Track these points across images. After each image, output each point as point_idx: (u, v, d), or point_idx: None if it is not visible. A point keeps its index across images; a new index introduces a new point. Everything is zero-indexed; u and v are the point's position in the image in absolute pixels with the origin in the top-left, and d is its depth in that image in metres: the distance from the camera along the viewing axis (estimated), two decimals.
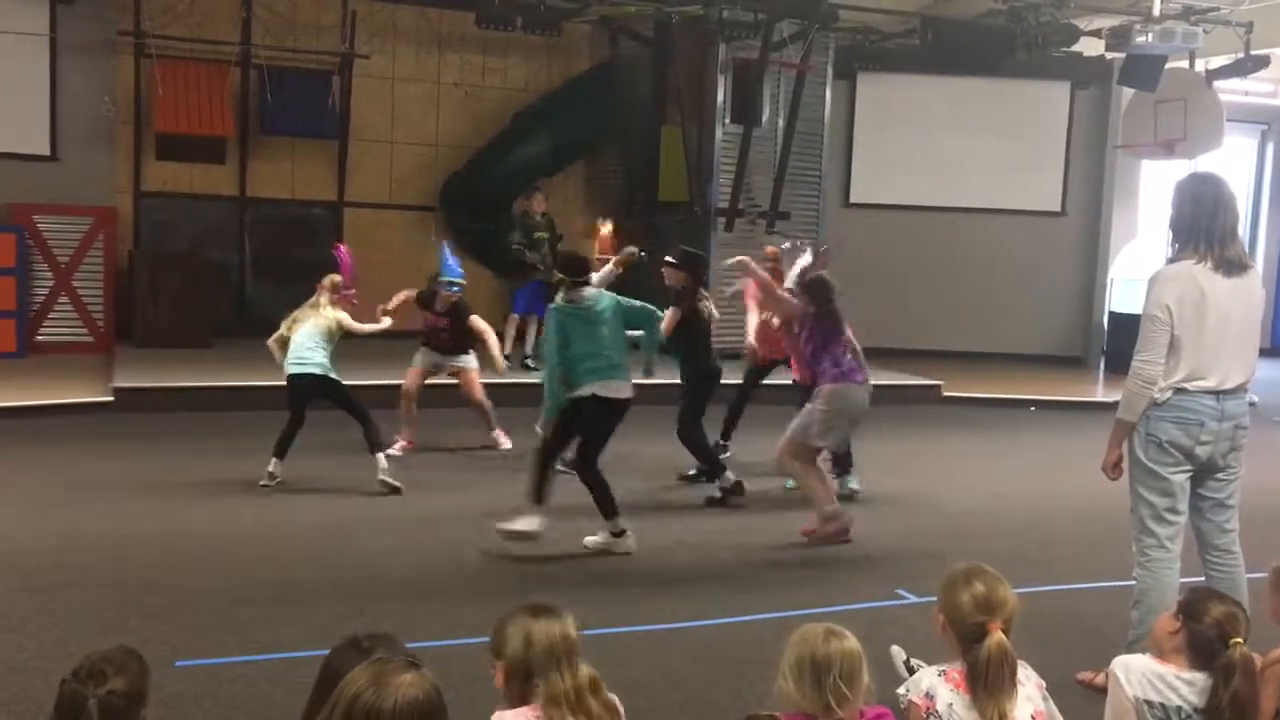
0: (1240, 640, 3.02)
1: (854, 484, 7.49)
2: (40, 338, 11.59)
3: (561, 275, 6.32)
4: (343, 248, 7.75)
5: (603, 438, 6.15)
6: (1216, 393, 4.17)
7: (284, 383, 7.26)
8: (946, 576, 3.03)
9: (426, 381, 8.39)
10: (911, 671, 3.91)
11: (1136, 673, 3.13)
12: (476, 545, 6.13)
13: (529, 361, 10.61)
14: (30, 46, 11.54)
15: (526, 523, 5.97)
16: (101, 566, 5.52)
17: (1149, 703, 3.09)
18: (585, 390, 6.00)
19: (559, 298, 6.24)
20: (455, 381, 8.49)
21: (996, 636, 2.86)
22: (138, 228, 12.47)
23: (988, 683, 2.83)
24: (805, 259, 7.27)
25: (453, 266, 8.07)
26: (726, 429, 8.17)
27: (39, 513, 6.40)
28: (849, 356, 6.46)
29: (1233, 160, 15.69)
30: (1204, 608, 3.12)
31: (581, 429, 6.13)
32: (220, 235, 12.83)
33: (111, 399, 9.33)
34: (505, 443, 8.52)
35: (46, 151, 11.88)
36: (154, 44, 11.85)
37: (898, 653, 4.31)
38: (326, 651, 2.69)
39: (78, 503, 6.66)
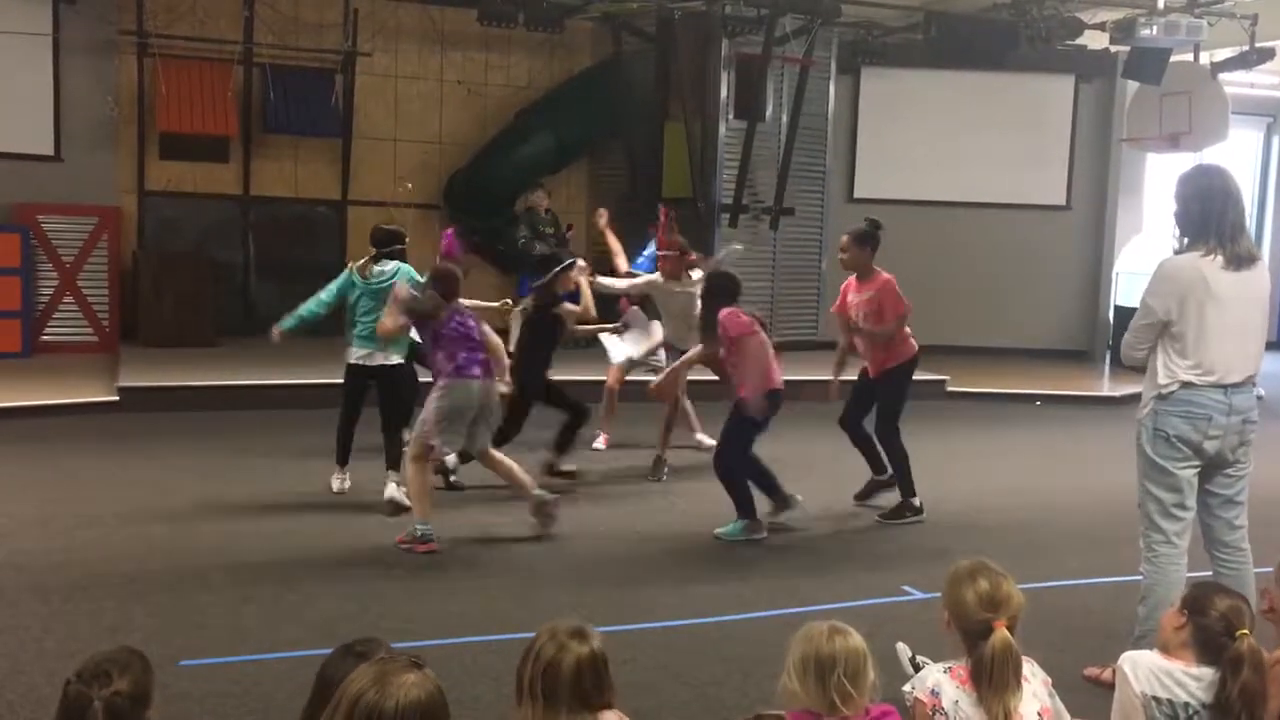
0: (1246, 632, 3.01)
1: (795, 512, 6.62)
2: (45, 338, 11.60)
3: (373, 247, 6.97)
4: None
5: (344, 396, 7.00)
6: (1224, 387, 4.14)
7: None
8: (951, 573, 3.03)
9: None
10: (917, 668, 3.91)
11: (1144, 669, 3.12)
12: (481, 545, 6.13)
13: None
14: (33, 46, 11.53)
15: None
16: (106, 566, 5.52)
17: (1156, 699, 3.08)
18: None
19: (356, 264, 6.97)
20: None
21: (1001, 634, 2.85)
22: (142, 227, 12.47)
23: (992, 680, 2.83)
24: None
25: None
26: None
27: (44, 512, 6.40)
28: (465, 354, 6.09)
29: (1238, 153, 15.63)
30: (1209, 602, 3.11)
31: None
32: (224, 234, 12.83)
33: (116, 399, 9.33)
34: (707, 440, 8.14)
35: (50, 151, 11.88)
36: (157, 43, 11.85)
37: (903, 650, 4.30)
38: (329, 651, 2.68)
39: (82, 502, 6.65)
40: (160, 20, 11.84)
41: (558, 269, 7.28)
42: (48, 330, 11.65)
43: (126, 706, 2.38)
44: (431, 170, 13.50)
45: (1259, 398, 4.42)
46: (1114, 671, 3.29)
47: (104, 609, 4.94)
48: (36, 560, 5.55)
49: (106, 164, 12.13)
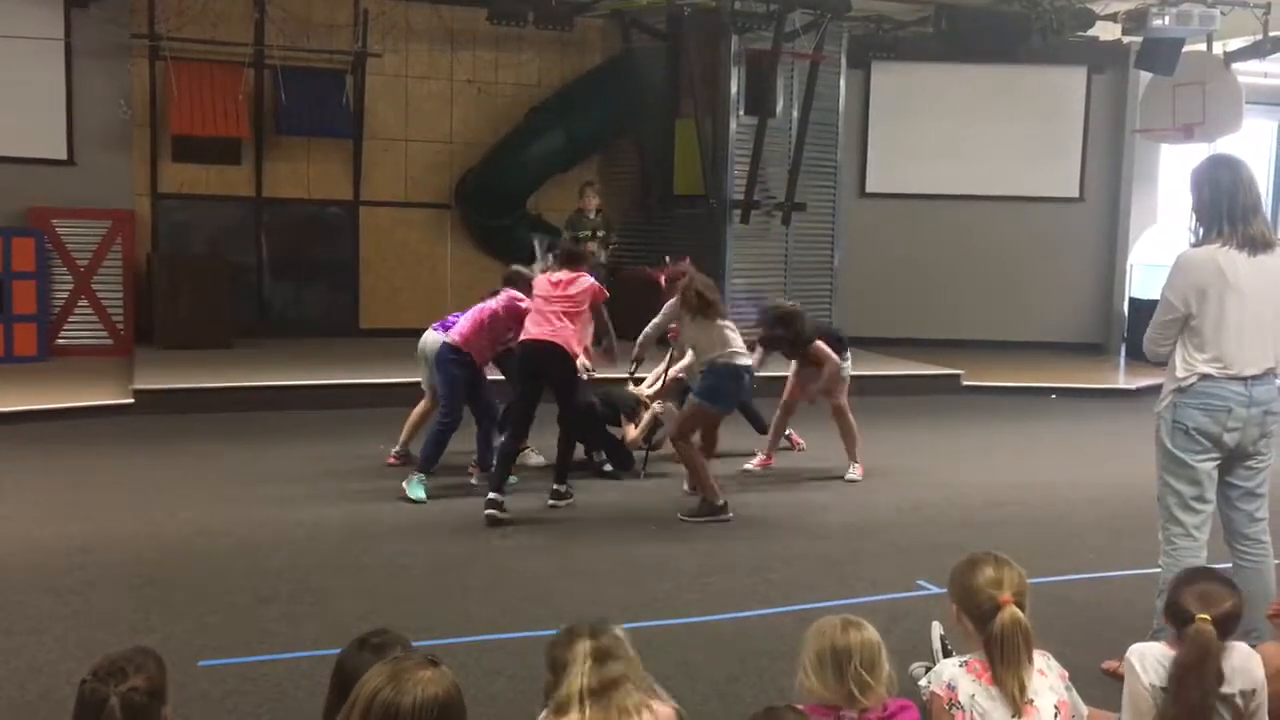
0: (1206, 617, 2.99)
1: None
2: (61, 341, 11.64)
3: None
4: None
5: None
6: (1243, 379, 4.10)
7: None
8: (954, 568, 3.11)
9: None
10: (947, 652, 3.91)
11: (1151, 660, 3.11)
12: (498, 545, 6.15)
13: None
14: (45, 51, 11.58)
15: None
16: (124, 567, 5.54)
17: (1165, 689, 3.07)
18: None
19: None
20: None
21: (1009, 609, 2.90)
22: (155, 230, 12.52)
23: (1004, 655, 2.86)
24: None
25: None
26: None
27: (61, 514, 6.44)
28: None
29: (1252, 143, 15.53)
30: (1189, 587, 3.11)
31: None
32: (237, 236, 12.88)
33: (132, 401, 9.35)
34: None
35: (63, 156, 11.91)
36: (168, 46, 11.90)
37: (936, 627, 4.27)
38: None
39: (100, 504, 6.69)
40: (172, 23, 11.89)
41: None
42: (63, 334, 11.70)
43: (144, 702, 2.40)
44: (443, 170, 13.52)
45: None
46: None
47: (122, 610, 4.96)
48: (54, 561, 5.58)
49: (120, 167, 12.16)
